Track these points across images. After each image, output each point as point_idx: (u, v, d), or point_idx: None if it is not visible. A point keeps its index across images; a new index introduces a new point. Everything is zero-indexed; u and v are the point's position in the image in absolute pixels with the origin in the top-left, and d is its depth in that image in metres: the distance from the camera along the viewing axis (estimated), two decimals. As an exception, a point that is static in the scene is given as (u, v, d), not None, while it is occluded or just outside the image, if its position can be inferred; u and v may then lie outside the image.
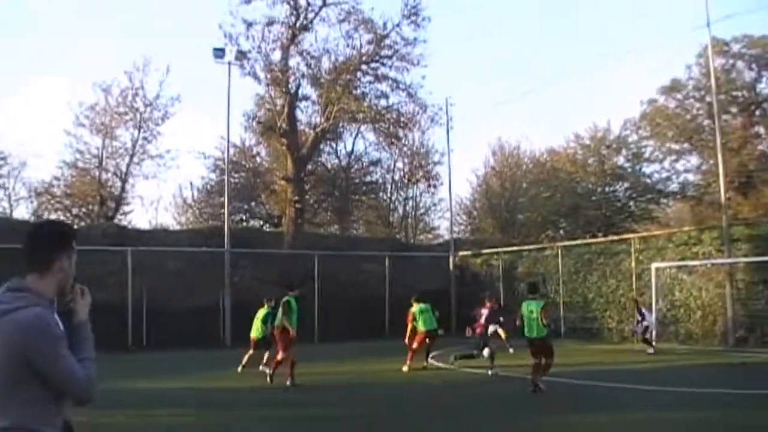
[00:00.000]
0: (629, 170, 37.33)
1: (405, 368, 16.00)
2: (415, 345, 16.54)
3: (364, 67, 31.94)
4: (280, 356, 13.81)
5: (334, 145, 39.92)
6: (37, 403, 2.58)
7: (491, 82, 65.94)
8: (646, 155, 36.81)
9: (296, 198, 30.72)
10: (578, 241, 28.28)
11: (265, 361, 15.59)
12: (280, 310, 13.88)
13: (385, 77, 32.12)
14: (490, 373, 14.69)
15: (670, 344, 20.87)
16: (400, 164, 40.92)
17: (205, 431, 9.90)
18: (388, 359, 17.59)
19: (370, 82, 32.62)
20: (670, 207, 40.26)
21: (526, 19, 67.39)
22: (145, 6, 57.59)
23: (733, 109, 32.79)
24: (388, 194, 43.02)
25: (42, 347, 2.54)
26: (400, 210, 43.64)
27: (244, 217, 39.87)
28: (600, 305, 24.91)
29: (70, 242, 2.82)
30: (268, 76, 30.60)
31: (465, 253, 31.62)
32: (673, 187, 36.44)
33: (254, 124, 35.63)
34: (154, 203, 46.66)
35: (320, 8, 30.26)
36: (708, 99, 30.29)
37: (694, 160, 35.31)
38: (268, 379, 14.14)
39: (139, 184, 37.14)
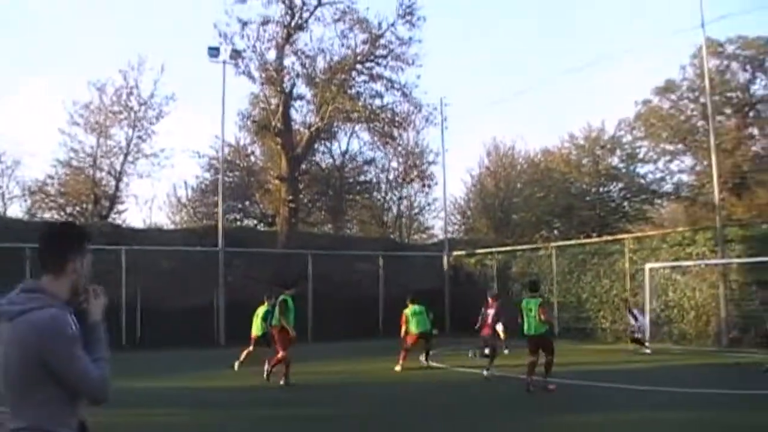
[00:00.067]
0: (623, 171, 37.37)
1: (398, 368, 16.03)
2: (407, 345, 16.60)
3: (358, 66, 31.90)
4: (280, 355, 13.81)
5: (328, 145, 39.85)
6: (53, 403, 2.60)
7: (486, 81, 65.92)
8: (641, 156, 36.87)
9: (290, 197, 30.68)
10: (572, 242, 28.31)
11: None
12: (277, 309, 13.87)
13: (380, 77, 32.11)
14: (485, 373, 14.70)
15: (663, 344, 20.91)
16: (394, 164, 40.96)
17: (200, 431, 9.89)
18: (382, 359, 17.58)
19: (364, 82, 32.62)
20: (664, 207, 40.35)
21: (521, 18, 67.53)
22: (140, 5, 57.41)
23: (727, 110, 32.87)
24: (383, 194, 42.97)
25: (57, 348, 2.56)
26: (395, 209, 43.60)
27: (238, 217, 39.80)
28: (594, 305, 24.95)
29: (83, 243, 2.85)
30: (263, 75, 30.56)
31: (459, 252, 31.65)
32: (667, 187, 36.56)
33: (249, 123, 35.59)
34: (149, 202, 46.31)
35: (315, 8, 30.21)
36: (702, 100, 30.38)
37: (688, 160, 35.46)
38: (265, 376, 14.16)
39: (133, 183, 36.92)
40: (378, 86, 32.36)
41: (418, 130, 36.16)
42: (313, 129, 31.65)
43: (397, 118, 33.18)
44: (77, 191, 33.18)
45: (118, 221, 33.12)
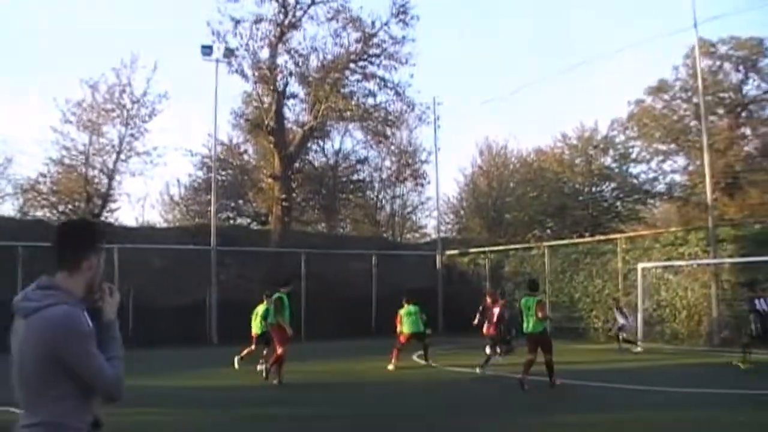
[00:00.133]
0: (616, 170, 37.48)
1: (391, 366, 16.07)
2: (399, 344, 16.64)
3: (352, 65, 31.89)
4: (279, 352, 13.80)
5: (321, 143, 39.83)
6: (67, 399, 2.61)
7: (479, 81, 66.08)
8: (633, 156, 37.00)
9: (283, 196, 30.65)
10: (565, 241, 28.35)
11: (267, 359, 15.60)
12: (273, 307, 13.90)
13: (373, 76, 32.10)
14: (478, 370, 14.70)
15: (656, 344, 20.96)
16: (387, 163, 41.02)
17: (193, 429, 9.86)
18: (375, 358, 17.59)
19: (358, 81, 32.62)
20: (657, 207, 40.48)
21: (515, 18, 67.55)
22: (134, 3, 57.23)
23: (720, 111, 33.03)
24: (376, 193, 42.93)
25: (71, 345, 2.57)
26: (388, 208, 43.55)
27: (231, 215, 39.73)
28: (586, 305, 25.00)
29: (99, 241, 2.87)
30: (256, 73, 30.50)
31: (452, 252, 31.66)
32: (660, 187, 36.70)
33: (242, 121, 35.55)
34: (141, 201, 46.42)
35: (309, 6, 30.16)
36: (695, 100, 30.51)
37: (680, 160, 35.63)
38: (263, 374, 14.19)
39: (125, 182, 36.56)
40: (371, 85, 32.44)
41: (411, 129, 36.32)
42: (306, 128, 31.63)
43: (390, 117, 33.22)
44: (70, 189, 33.00)
45: (111, 219, 32.98)
